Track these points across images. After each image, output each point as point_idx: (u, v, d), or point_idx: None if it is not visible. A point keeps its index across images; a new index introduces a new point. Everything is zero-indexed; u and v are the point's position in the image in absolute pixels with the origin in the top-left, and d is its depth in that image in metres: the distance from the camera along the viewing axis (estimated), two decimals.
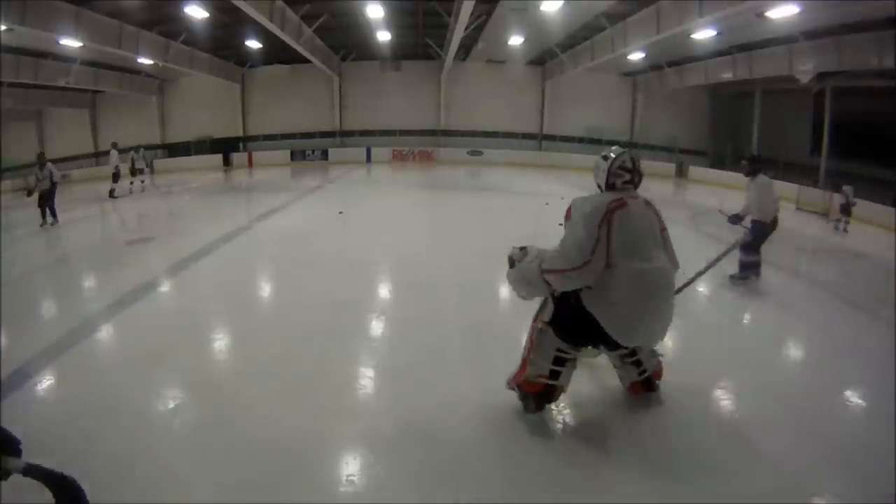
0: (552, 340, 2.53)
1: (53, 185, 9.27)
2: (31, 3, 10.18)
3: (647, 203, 2.54)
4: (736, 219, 5.32)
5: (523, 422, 2.75)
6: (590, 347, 2.59)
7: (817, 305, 5.27)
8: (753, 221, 5.20)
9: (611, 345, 2.46)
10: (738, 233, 5.26)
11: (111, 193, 12.70)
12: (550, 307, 2.56)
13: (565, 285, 2.41)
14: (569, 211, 2.51)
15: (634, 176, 2.52)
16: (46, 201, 9.12)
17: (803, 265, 7.38)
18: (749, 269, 5.37)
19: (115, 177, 12.97)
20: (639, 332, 2.42)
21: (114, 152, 13.19)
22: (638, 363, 2.75)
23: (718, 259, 3.20)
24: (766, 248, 5.40)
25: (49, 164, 9.38)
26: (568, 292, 2.44)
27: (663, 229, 2.55)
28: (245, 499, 2.21)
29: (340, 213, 9.92)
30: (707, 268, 3.18)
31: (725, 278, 5.40)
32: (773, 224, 5.28)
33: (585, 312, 2.38)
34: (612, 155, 2.56)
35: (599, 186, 2.59)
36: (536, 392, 2.62)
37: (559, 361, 2.54)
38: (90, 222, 10.23)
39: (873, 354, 3.85)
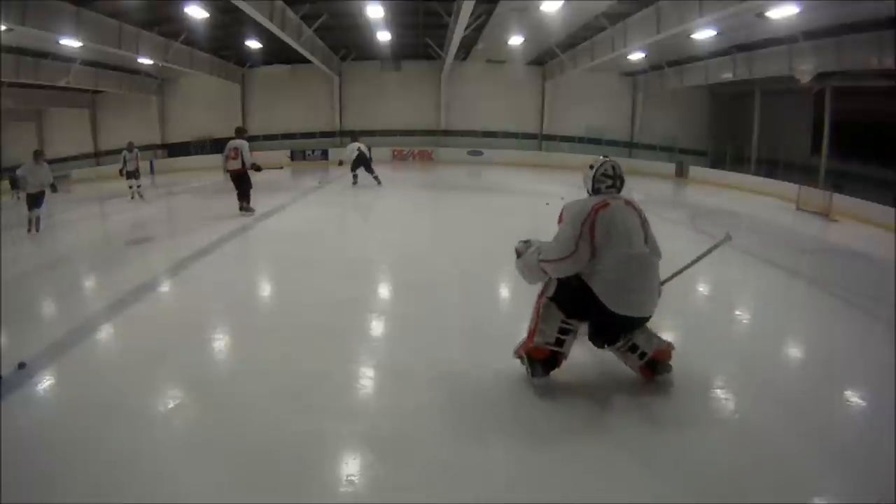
0: (557, 313, 2.90)
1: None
2: (31, 3, 10.18)
3: (629, 202, 2.90)
4: None
5: (524, 420, 2.76)
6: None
7: (817, 305, 5.28)
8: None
9: (607, 321, 2.82)
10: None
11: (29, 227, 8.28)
12: (554, 284, 2.93)
13: (558, 272, 2.86)
14: (562, 213, 2.94)
15: (616, 181, 2.94)
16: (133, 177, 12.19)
17: (803, 265, 7.37)
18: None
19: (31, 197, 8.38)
20: (627, 301, 2.78)
21: (30, 165, 8.56)
22: (634, 348, 2.97)
23: (707, 253, 3.32)
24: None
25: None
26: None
27: (644, 222, 2.90)
28: (245, 499, 2.20)
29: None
30: (693, 262, 3.30)
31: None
32: None
33: (585, 287, 2.78)
34: (596, 164, 2.97)
35: (588, 191, 2.99)
36: (543, 359, 2.94)
37: (563, 331, 2.91)
38: (90, 222, 10.21)
39: (873, 354, 3.85)
